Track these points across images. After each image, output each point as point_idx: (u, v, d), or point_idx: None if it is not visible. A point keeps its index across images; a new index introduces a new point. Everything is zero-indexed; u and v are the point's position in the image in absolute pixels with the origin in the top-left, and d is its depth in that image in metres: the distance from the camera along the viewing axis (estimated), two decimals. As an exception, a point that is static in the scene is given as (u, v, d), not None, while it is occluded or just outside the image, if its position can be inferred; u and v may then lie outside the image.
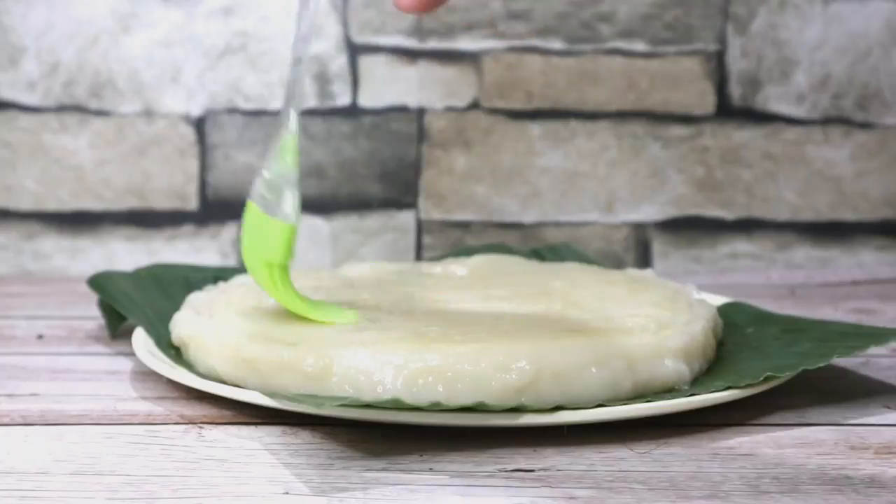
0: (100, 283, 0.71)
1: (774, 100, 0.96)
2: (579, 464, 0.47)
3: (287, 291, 0.56)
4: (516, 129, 0.95)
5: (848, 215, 0.97)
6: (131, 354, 0.62)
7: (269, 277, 0.56)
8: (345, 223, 0.94)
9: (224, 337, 0.56)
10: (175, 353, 0.61)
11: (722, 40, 0.94)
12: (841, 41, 0.95)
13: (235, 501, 0.43)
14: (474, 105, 0.94)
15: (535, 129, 0.95)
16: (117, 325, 0.69)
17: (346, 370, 0.51)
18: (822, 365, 0.54)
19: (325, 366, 0.51)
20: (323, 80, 0.93)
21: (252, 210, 0.56)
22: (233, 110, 0.93)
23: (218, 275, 0.75)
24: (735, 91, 0.95)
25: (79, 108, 0.92)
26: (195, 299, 0.65)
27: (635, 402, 0.51)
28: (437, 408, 0.48)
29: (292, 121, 0.55)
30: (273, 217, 0.55)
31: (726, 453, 0.48)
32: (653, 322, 0.57)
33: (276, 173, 0.55)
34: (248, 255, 0.56)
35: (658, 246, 0.96)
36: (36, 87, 0.92)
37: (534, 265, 0.75)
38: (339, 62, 0.93)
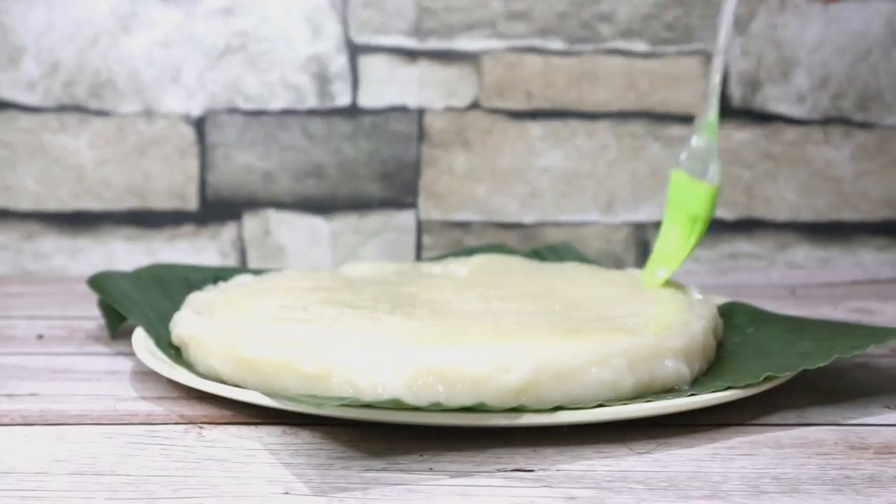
0: (100, 283, 0.71)
1: (774, 100, 0.95)
2: (579, 464, 0.47)
3: (691, 244, 0.67)
4: (516, 129, 0.95)
5: (848, 215, 0.97)
6: (131, 354, 0.63)
7: (687, 229, 0.66)
8: (345, 223, 0.94)
9: (224, 337, 0.56)
10: (175, 353, 0.61)
11: (722, 40, 0.94)
12: (841, 41, 0.95)
13: (235, 501, 0.43)
14: (474, 105, 0.94)
15: (535, 129, 0.95)
16: (117, 325, 0.69)
17: (347, 370, 0.51)
18: (822, 365, 0.54)
19: (325, 366, 0.51)
20: (323, 80, 0.93)
21: (680, 176, 0.67)
22: (233, 110, 0.93)
23: (218, 275, 0.76)
24: (735, 91, 0.95)
25: (79, 108, 0.92)
26: (195, 299, 0.65)
27: (635, 402, 0.51)
28: (437, 408, 0.48)
29: (712, 109, 0.66)
30: (700, 180, 0.66)
31: (726, 453, 0.48)
32: (653, 322, 0.57)
33: (702, 146, 0.66)
34: (673, 212, 0.67)
35: (658, 246, 0.96)
36: (36, 87, 0.92)
37: (534, 265, 0.75)
38: (339, 62, 0.93)
